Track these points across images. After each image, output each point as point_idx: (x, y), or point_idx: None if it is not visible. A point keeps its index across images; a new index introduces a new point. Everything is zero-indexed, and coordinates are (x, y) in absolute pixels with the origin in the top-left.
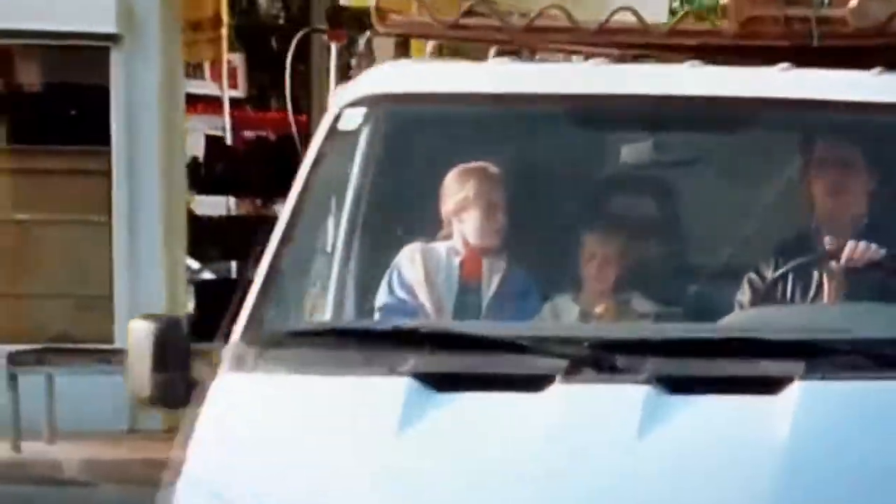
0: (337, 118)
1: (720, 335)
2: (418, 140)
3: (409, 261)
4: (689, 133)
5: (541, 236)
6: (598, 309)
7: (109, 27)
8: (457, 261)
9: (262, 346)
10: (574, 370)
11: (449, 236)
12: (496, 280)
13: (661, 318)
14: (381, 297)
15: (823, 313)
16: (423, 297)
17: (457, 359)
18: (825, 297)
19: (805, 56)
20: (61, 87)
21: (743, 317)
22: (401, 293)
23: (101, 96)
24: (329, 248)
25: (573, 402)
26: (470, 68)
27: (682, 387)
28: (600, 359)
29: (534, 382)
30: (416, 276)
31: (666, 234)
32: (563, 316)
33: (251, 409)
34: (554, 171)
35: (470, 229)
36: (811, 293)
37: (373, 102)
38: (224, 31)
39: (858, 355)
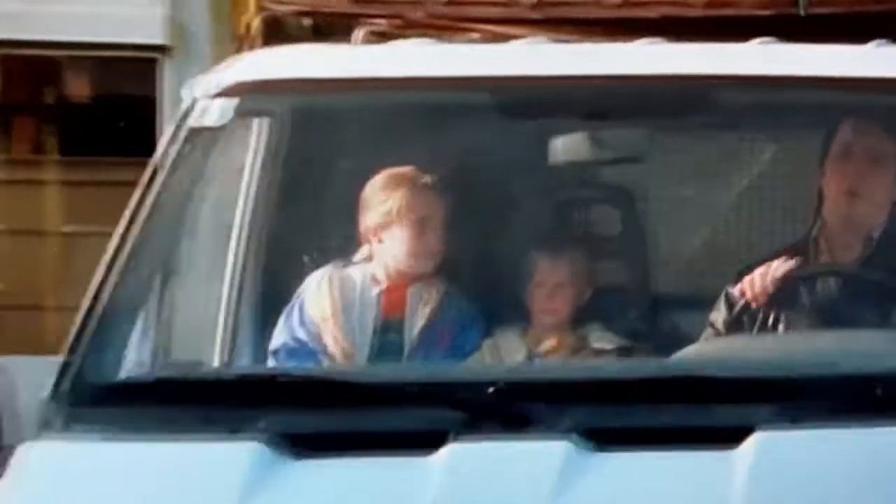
0: (191, 112)
1: (663, 374)
2: (314, 137)
3: (315, 292)
4: (653, 123)
5: (481, 258)
6: (545, 346)
7: (158, 39)
8: (376, 290)
9: (76, 404)
10: (474, 424)
11: (369, 259)
12: (424, 314)
13: (626, 355)
14: (277, 339)
15: (804, 343)
16: (330, 337)
17: (324, 414)
18: (813, 321)
19: (790, 27)
20: (110, 98)
21: (699, 350)
22: (301, 333)
23: (149, 108)
24: (197, 276)
25: (470, 465)
26: (376, 49)
27: (612, 441)
28: (508, 408)
29: (421, 442)
30: (321, 311)
31: (632, 251)
32: (506, 356)
33: (54, 487)
34: (489, 176)
35: (393, 251)
36: (798, 316)
37: (248, 91)
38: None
39: (841, 396)
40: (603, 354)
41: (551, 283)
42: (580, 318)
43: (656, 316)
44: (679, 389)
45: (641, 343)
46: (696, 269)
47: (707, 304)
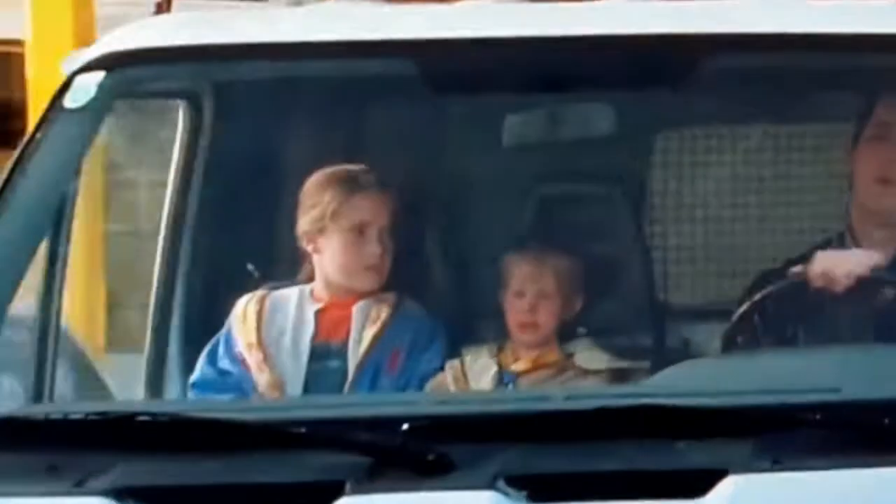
0: (66, 90)
1: (613, 404)
2: (209, 118)
3: (240, 315)
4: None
5: (444, 266)
6: (520, 366)
7: None
8: (313, 310)
9: None
10: (376, 471)
11: (310, 274)
12: (370, 334)
13: (619, 378)
14: (199, 370)
15: (802, 362)
16: (255, 366)
17: (190, 461)
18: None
19: None
20: None
21: (673, 372)
22: (225, 363)
23: None
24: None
25: None
26: (280, 13)
27: (550, 491)
28: (419, 450)
29: (310, 495)
30: (245, 337)
31: (627, 251)
32: (474, 380)
33: None
34: (447, 167)
35: (328, 264)
36: (813, 329)
37: (117, 63)
38: None
39: (837, 429)
40: (590, 376)
41: (532, 293)
42: (567, 332)
43: (660, 330)
44: (634, 423)
45: (639, 363)
46: (708, 273)
47: (723, 315)
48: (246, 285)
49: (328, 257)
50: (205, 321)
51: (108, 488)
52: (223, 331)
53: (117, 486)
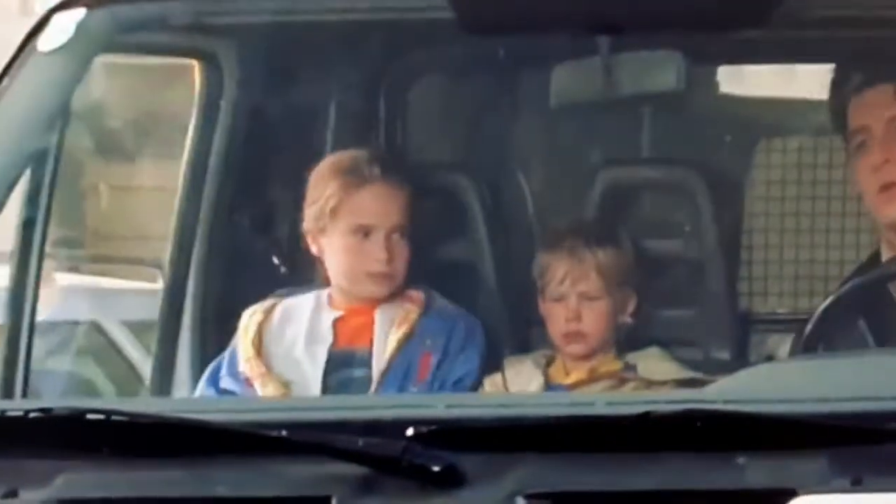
0: (41, 29)
1: (661, 409)
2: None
3: (244, 329)
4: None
5: (483, 261)
6: (573, 378)
7: None
8: (331, 318)
9: None
10: (370, 485)
11: (325, 277)
12: (396, 338)
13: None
14: (198, 392)
15: (889, 366)
16: (258, 381)
17: (147, 469)
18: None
19: None
20: None
21: (739, 377)
22: (227, 382)
23: None
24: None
25: None
26: None
27: None
28: (424, 460)
29: None
30: (246, 352)
31: (702, 243)
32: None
33: None
34: (475, 137)
35: (332, 266)
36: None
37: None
38: None
39: None
40: (655, 387)
41: (574, 295)
42: (628, 339)
43: (742, 337)
44: (683, 432)
45: (713, 374)
46: (798, 275)
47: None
48: (272, 284)
49: (331, 260)
50: (219, 328)
51: (44, 499)
52: (229, 348)
53: (56, 498)
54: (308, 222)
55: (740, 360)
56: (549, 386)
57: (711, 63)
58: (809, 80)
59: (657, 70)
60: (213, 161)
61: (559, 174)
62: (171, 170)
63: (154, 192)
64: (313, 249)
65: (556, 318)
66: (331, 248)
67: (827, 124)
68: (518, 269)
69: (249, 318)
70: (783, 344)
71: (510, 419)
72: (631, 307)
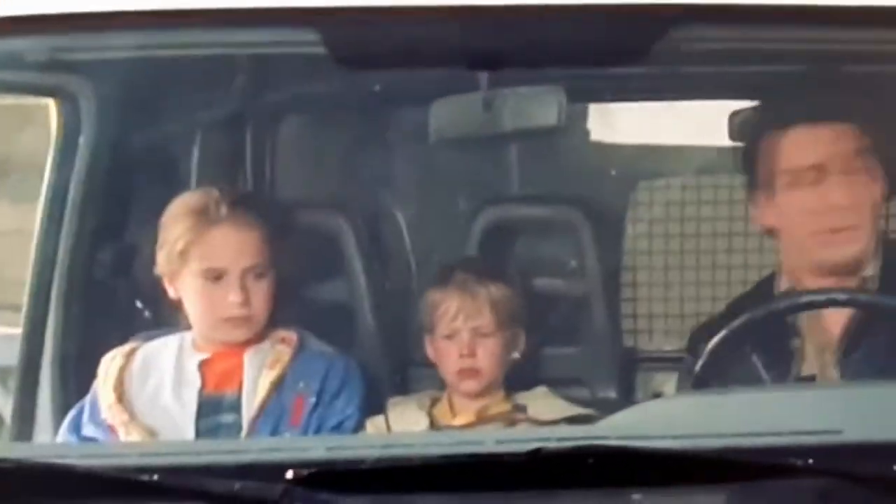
0: None
1: (555, 446)
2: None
3: (104, 374)
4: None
5: (356, 296)
6: (458, 420)
7: None
8: (195, 361)
9: None
10: None
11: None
12: (267, 381)
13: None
14: (62, 439)
15: (793, 399)
16: (122, 428)
17: None
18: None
19: None
20: None
21: (634, 412)
22: (89, 429)
23: None
24: None
25: None
26: None
27: None
28: None
29: None
30: (107, 398)
31: (582, 281)
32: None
33: None
34: (356, 165)
35: (189, 310)
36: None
37: None
38: None
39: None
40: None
41: (467, 331)
42: (515, 377)
43: (628, 375)
44: (575, 470)
45: (600, 412)
46: (683, 313)
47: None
48: (135, 326)
49: (187, 304)
50: (80, 372)
51: None
52: (89, 394)
53: None
54: (161, 265)
55: (627, 398)
56: (435, 428)
57: (593, 99)
58: (690, 118)
59: (538, 106)
60: (71, 202)
61: (438, 211)
62: (28, 212)
63: (10, 236)
64: (170, 292)
65: (449, 354)
66: (185, 291)
67: (709, 165)
68: (397, 308)
69: (109, 363)
70: (669, 382)
71: (396, 459)
72: (521, 344)
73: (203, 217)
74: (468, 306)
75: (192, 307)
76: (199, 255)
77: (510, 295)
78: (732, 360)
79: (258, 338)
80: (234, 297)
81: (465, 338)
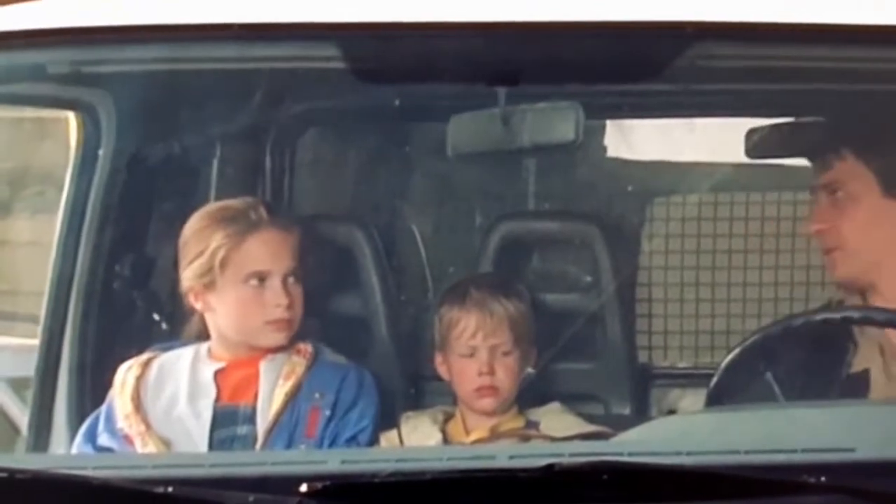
0: None
1: (569, 462)
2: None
3: (120, 384)
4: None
5: (372, 309)
6: (472, 436)
7: None
8: (211, 371)
9: None
10: None
11: (201, 332)
12: (282, 392)
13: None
14: (74, 449)
15: (807, 417)
16: (138, 439)
17: None
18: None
19: None
20: None
21: (648, 428)
22: (104, 439)
23: None
24: None
25: None
26: None
27: None
28: None
29: None
30: (124, 408)
31: (597, 297)
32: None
33: None
34: (368, 184)
35: (224, 320)
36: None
37: None
38: None
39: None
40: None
41: (486, 349)
42: (528, 393)
43: (642, 391)
44: (588, 486)
45: (614, 428)
46: (699, 330)
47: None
48: (151, 338)
49: (223, 314)
50: (97, 383)
51: None
52: (105, 404)
53: None
54: (190, 280)
55: (641, 414)
56: (447, 443)
57: (610, 116)
58: (707, 135)
59: (555, 122)
60: (90, 214)
61: (455, 225)
62: (45, 224)
63: (27, 247)
64: (198, 307)
65: (467, 373)
66: (222, 302)
67: (725, 182)
68: (412, 321)
69: (126, 373)
70: (683, 398)
71: (410, 473)
72: (532, 361)
73: (241, 223)
74: (487, 324)
75: (232, 315)
76: (241, 261)
77: (526, 311)
78: (747, 376)
79: (273, 349)
80: (280, 298)
81: (484, 356)
